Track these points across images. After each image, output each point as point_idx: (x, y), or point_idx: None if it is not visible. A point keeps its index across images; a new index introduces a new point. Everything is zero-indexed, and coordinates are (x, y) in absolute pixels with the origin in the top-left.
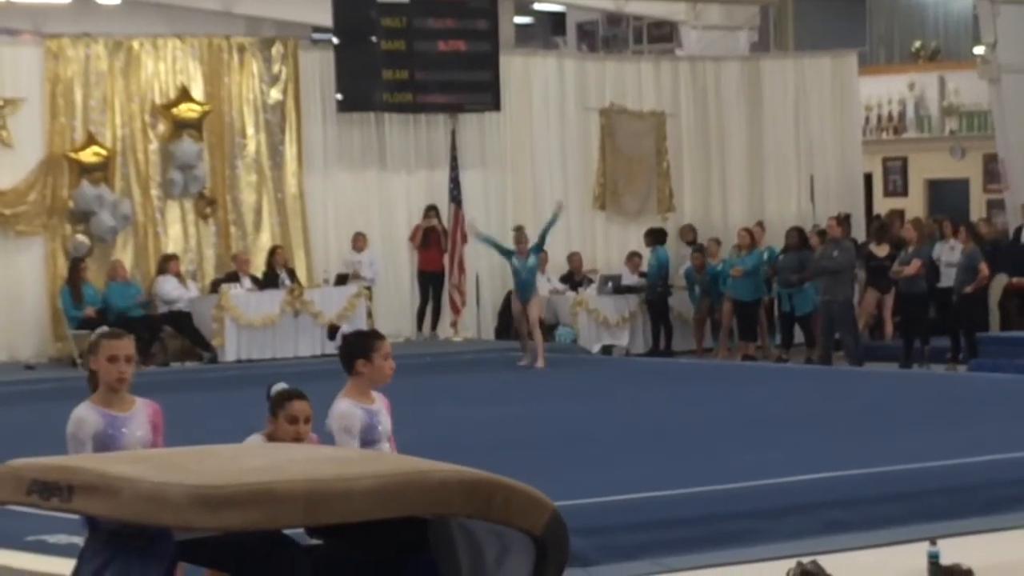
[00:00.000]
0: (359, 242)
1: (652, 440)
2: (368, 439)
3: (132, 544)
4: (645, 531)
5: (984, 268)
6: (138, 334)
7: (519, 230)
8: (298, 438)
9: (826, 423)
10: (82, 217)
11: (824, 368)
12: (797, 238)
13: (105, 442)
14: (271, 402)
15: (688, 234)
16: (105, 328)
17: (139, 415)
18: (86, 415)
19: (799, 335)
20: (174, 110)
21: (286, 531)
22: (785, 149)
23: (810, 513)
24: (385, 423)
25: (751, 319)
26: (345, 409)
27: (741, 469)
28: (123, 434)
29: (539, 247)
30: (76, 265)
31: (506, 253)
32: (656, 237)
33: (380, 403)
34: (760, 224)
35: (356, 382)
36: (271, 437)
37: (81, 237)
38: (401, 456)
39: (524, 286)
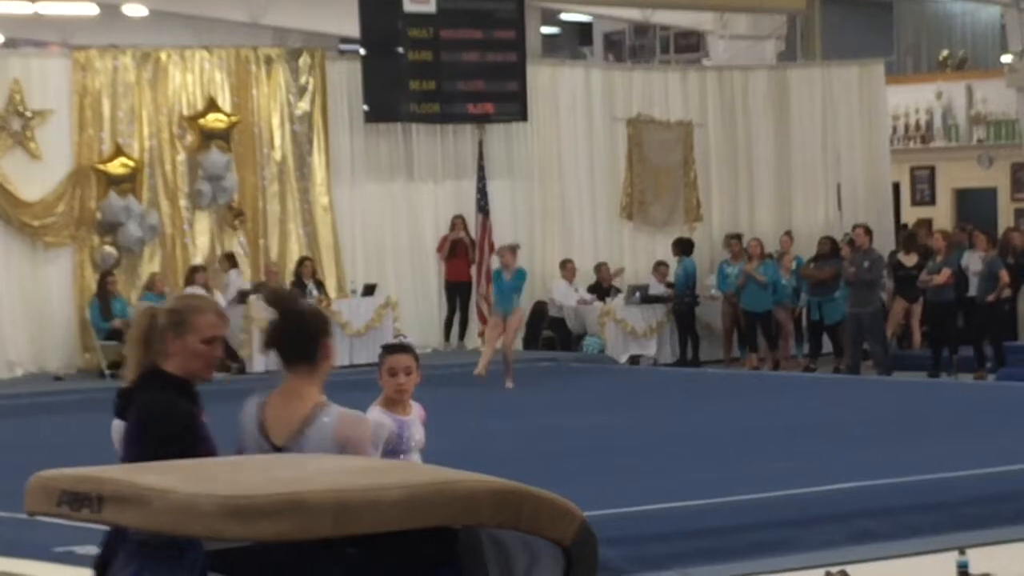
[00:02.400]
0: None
1: (680, 450)
2: (396, 449)
3: (162, 554)
4: (674, 541)
5: (1004, 276)
6: None
7: (502, 249)
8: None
9: (854, 433)
10: (109, 228)
11: (852, 377)
12: (829, 247)
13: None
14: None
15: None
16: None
17: (416, 418)
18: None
19: (827, 344)
20: (202, 121)
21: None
22: (813, 158)
23: (839, 523)
24: (417, 434)
25: (764, 330)
26: (373, 418)
27: (770, 479)
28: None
29: (522, 276)
30: (105, 277)
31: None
32: (683, 247)
33: (415, 414)
34: (788, 234)
35: (384, 392)
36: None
37: (109, 248)
38: (430, 466)
39: (505, 303)
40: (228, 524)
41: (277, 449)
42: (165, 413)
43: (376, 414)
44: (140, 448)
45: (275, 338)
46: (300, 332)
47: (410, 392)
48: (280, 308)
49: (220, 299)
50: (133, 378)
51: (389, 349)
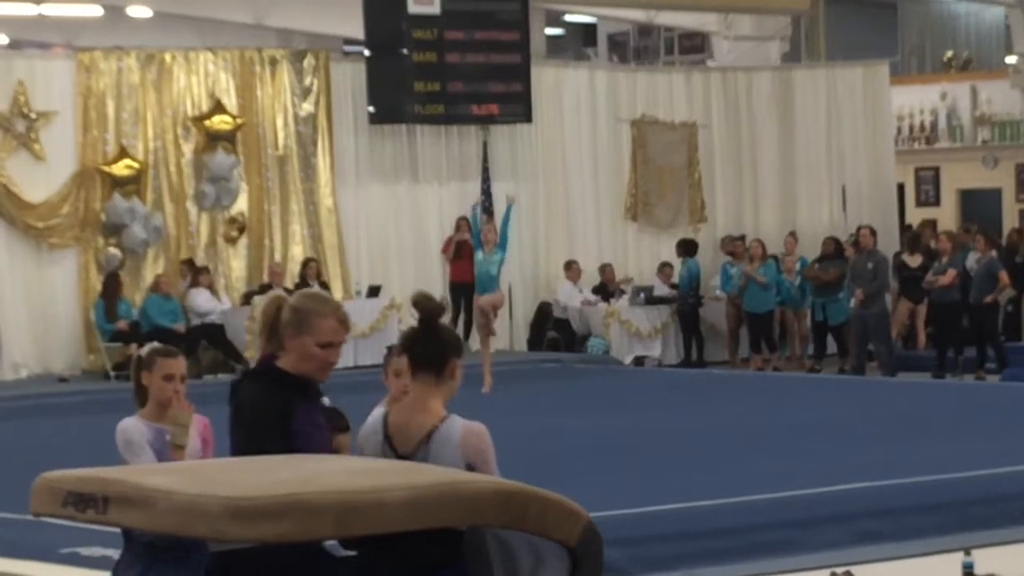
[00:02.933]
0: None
1: (686, 451)
2: None
3: (167, 555)
4: (679, 542)
5: (1004, 277)
6: (175, 347)
7: (487, 222)
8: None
9: (859, 433)
10: (114, 230)
11: (857, 378)
12: (833, 248)
13: (157, 454)
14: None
15: (729, 245)
16: (157, 345)
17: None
18: (135, 426)
19: (832, 345)
20: (207, 122)
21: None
22: (817, 159)
23: (844, 524)
24: None
25: (764, 331)
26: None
27: (774, 479)
28: (168, 448)
29: (503, 245)
30: (110, 278)
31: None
32: (687, 248)
33: None
34: (792, 234)
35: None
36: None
37: (113, 250)
38: (435, 467)
39: (486, 281)
40: (231, 525)
41: (401, 458)
42: (254, 406)
43: (378, 414)
44: (235, 437)
45: (409, 344)
46: (433, 344)
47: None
48: (424, 314)
49: (226, 301)
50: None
51: (393, 349)
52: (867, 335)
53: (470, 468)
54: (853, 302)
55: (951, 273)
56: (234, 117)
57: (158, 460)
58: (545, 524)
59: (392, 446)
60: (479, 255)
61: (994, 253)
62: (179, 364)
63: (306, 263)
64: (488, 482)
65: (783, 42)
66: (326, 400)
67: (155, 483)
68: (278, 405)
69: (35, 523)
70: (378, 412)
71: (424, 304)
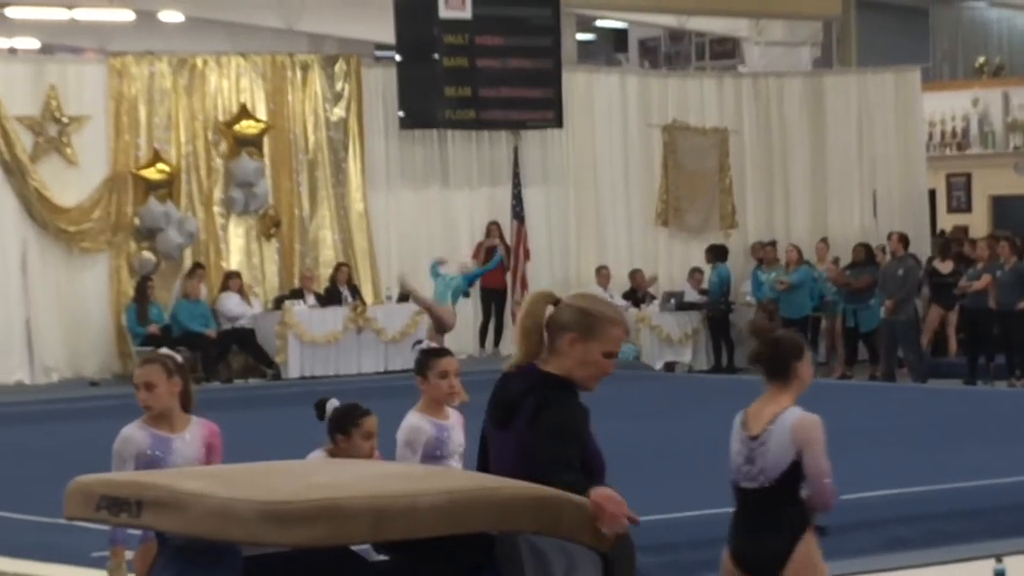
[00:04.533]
0: None
1: (717, 456)
2: (435, 454)
3: (200, 559)
4: (710, 548)
5: None
6: (205, 351)
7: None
8: (371, 454)
9: (890, 440)
10: (148, 234)
11: (888, 385)
12: (864, 254)
13: (148, 462)
14: (339, 420)
15: (759, 251)
16: (151, 350)
17: (192, 435)
18: (133, 434)
19: (863, 352)
20: (236, 127)
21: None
22: (848, 165)
23: (873, 530)
24: (457, 439)
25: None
26: (413, 423)
27: None
28: (170, 454)
29: (469, 281)
30: (143, 283)
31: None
32: (717, 254)
33: (454, 419)
34: (824, 240)
35: (425, 397)
36: (336, 454)
37: (147, 254)
38: (469, 472)
39: (441, 298)
40: (266, 529)
41: (752, 439)
42: (563, 412)
43: (414, 419)
44: (519, 442)
45: (757, 359)
46: (776, 357)
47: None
48: (759, 337)
49: (256, 306)
50: (511, 370)
51: (438, 353)
52: (897, 341)
53: (798, 452)
54: (883, 309)
55: (986, 278)
56: (261, 122)
57: (150, 468)
58: (577, 529)
59: (746, 429)
60: (439, 271)
61: (1014, 259)
62: (143, 372)
63: (337, 267)
64: (521, 487)
65: (814, 48)
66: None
67: (189, 487)
68: (581, 414)
69: (66, 526)
70: (414, 418)
71: (755, 331)
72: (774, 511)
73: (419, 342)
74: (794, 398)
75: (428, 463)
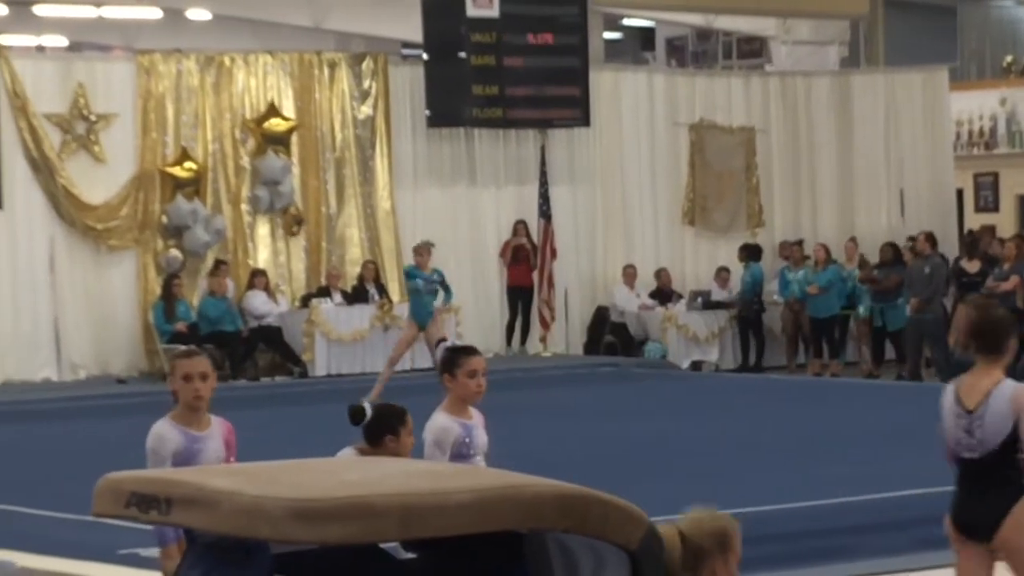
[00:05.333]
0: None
1: (743, 455)
2: (463, 453)
3: (229, 557)
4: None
5: None
6: (232, 349)
7: (421, 246)
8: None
9: (917, 439)
10: (175, 232)
11: (914, 384)
12: (892, 254)
13: (183, 460)
14: (389, 420)
15: (787, 250)
16: (180, 347)
17: (215, 433)
18: (166, 432)
19: (890, 351)
20: (263, 125)
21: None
22: (875, 164)
23: (902, 529)
24: (481, 438)
25: (828, 336)
26: (440, 422)
27: (832, 485)
28: (201, 452)
29: (443, 285)
30: (170, 280)
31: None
32: (750, 253)
33: (477, 418)
34: (853, 240)
35: (451, 396)
36: (381, 453)
37: (174, 252)
38: (497, 470)
39: (426, 305)
40: (295, 527)
41: (968, 412)
42: None
43: (442, 419)
44: None
45: (972, 334)
46: (994, 333)
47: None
48: (977, 311)
49: (283, 304)
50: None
51: (467, 351)
52: (924, 340)
53: (1017, 419)
54: (909, 308)
55: (1014, 279)
56: (288, 120)
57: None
58: (606, 528)
59: (961, 404)
60: (418, 280)
61: None
62: (196, 363)
63: (365, 265)
64: (549, 485)
65: (842, 47)
66: None
67: (218, 484)
68: None
69: (94, 523)
70: (441, 418)
71: (977, 305)
72: (994, 476)
73: (443, 340)
74: (1004, 372)
75: (456, 462)
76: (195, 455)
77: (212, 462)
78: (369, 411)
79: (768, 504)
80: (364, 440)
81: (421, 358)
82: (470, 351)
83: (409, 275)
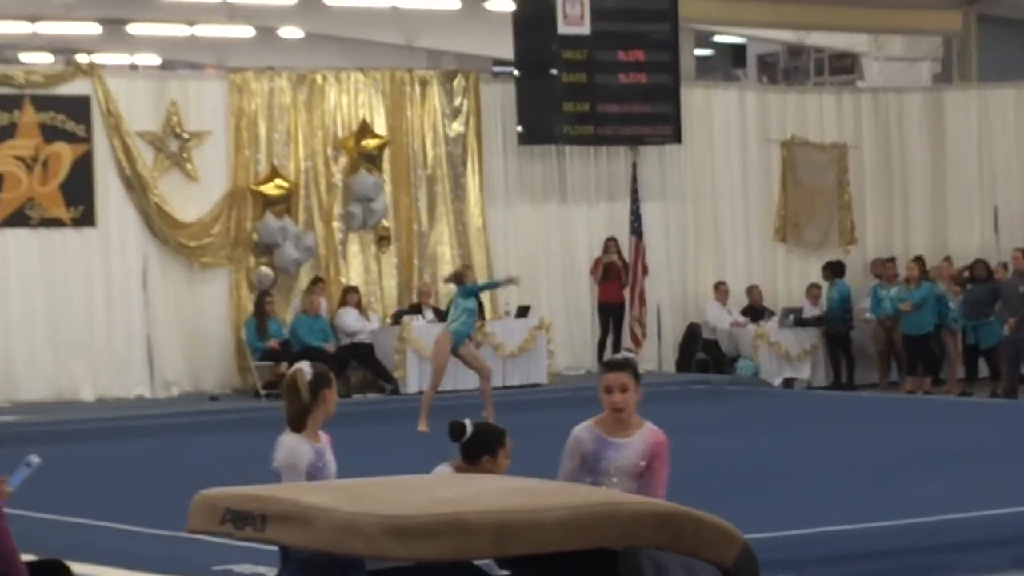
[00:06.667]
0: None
1: (837, 473)
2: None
3: (324, 573)
4: (833, 565)
5: None
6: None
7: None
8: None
9: (1012, 457)
10: (266, 249)
11: (1010, 402)
12: (984, 270)
13: (315, 473)
14: (489, 440)
15: (879, 267)
16: (317, 363)
17: (326, 446)
18: (300, 446)
19: (984, 369)
20: (354, 143)
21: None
22: (968, 181)
23: (999, 548)
24: (619, 459)
25: (922, 353)
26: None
27: (927, 503)
28: (326, 465)
29: (472, 291)
30: (262, 298)
31: (493, 286)
32: (834, 270)
33: (639, 437)
34: (948, 259)
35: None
36: (473, 471)
37: (265, 269)
38: (591, 488)
39: (470, 325)
40: (389, 543)
41: None
42: None
43: (577, 428)
44: None
45: None
46: None
47: (627, 410)
48: None
49: (374, 321)
50: None
51: (607, 366)
52: (1019, 358)
53: None
54: (1006, 327)
55: None
56: (380, 137)
57: (316, 479)
58: (700, 545)
59: None
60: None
61: None
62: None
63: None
64: (644, 502)
65: (934, 63)
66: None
67: (313, 501)
68: None
69: (187, 540)
70: (578, 427)
71: None
72: None
73: (629, 350)
74: None
75: (583, 477)
76: (322, 468)
77: (333, 474)
78: (469, 429)
79: (863, 522)
80: (461, 457)
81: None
82: (608, 366)
83: (468, 292)
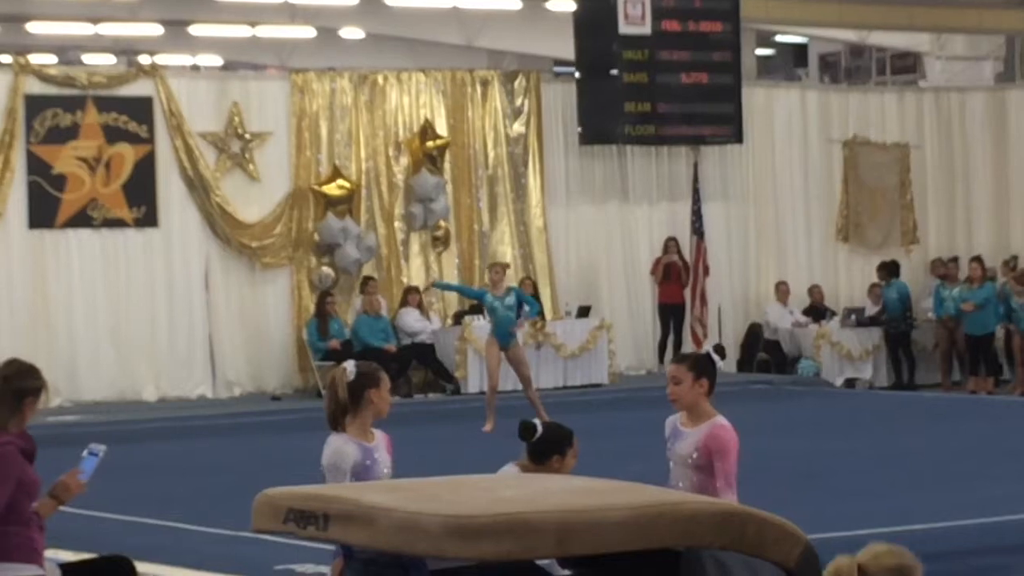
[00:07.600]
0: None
1: (899, 473)
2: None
3: (386, 573)
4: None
5: None
6: (385, 366)
7: (493, 266)
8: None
9: None
10: (327, 250)
11: None
12: None
13: (362, 473)
14: (559, 441)
15: (940, 268)
16: (361, 361)
17: (381, 445)
18: (345, 447)
19: None
20: (416, 143)
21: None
22: None
23: None
24: (682, 448)
25: (985, 354)
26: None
27: (992, 503)
28: (375, 464)
29: (521, 296)
30: (323, 298)
31: (474, 294)
32: (890, 270)
33: (701, 428)
34: (1015, 259)
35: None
36: (540, 472)
37: (327, 269)
38: (653, 487)
39: (503, 324)
40: (451, 543)
41: None
42: None
43: (671, 417)
44: None
45: None
46: None
47: (682, 402)
48: None
49: (435, 321)
50: None
51: (672, 359)
52: None
53: None
54: None
55: None
56: (441, 138)
57: (363, 478)
58: (763, 545)
59: None
60: (488, 299)
61: None
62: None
63: (521, 282)
64: (706, 502)
65: (997, 62)
66: None
67: (376, 500)
68: None
69: (248, 539)
70: (674, 416)
71: None
72: None
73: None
74: None
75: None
76: (371, 467)
77: (384, 473)
78: (540, 429)
79: (924, 523)
80: (528, 457)
81: (579, 375)
82: (672, 359)
83: (486, 302)
